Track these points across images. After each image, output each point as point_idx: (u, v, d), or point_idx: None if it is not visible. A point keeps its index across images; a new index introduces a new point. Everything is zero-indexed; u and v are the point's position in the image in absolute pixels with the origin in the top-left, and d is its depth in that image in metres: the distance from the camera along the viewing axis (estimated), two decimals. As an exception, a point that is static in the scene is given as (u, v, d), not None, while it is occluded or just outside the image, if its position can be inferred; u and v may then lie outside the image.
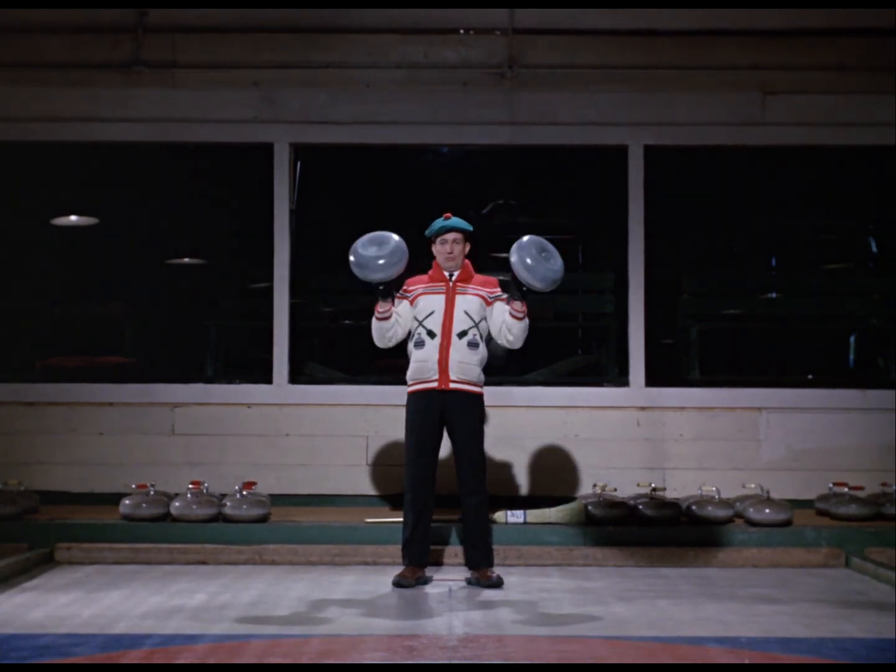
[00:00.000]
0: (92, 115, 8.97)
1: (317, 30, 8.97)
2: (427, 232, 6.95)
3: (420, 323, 6.82)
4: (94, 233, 9.52)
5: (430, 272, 6.96)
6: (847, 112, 8.95)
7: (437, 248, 6.93)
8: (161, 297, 9.50)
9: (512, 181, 9.63)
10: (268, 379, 8.97)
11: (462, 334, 6.80)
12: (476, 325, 6.83)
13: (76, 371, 9.22)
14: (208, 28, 8.94)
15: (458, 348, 6.79)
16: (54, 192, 9.23)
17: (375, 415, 8.79)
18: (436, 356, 6.77)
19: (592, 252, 9.72)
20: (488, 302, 6.87)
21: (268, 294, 9.03)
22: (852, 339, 9.66)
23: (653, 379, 8.97)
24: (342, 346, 9.80)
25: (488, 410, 7.25)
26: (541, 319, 9.74)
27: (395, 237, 6.79)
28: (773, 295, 9.69)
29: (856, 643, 5.39)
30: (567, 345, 9.74)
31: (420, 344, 6.81)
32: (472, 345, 6.81)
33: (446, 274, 6.90)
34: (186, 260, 9.75)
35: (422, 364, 6.80)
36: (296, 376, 9.03)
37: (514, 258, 6.63)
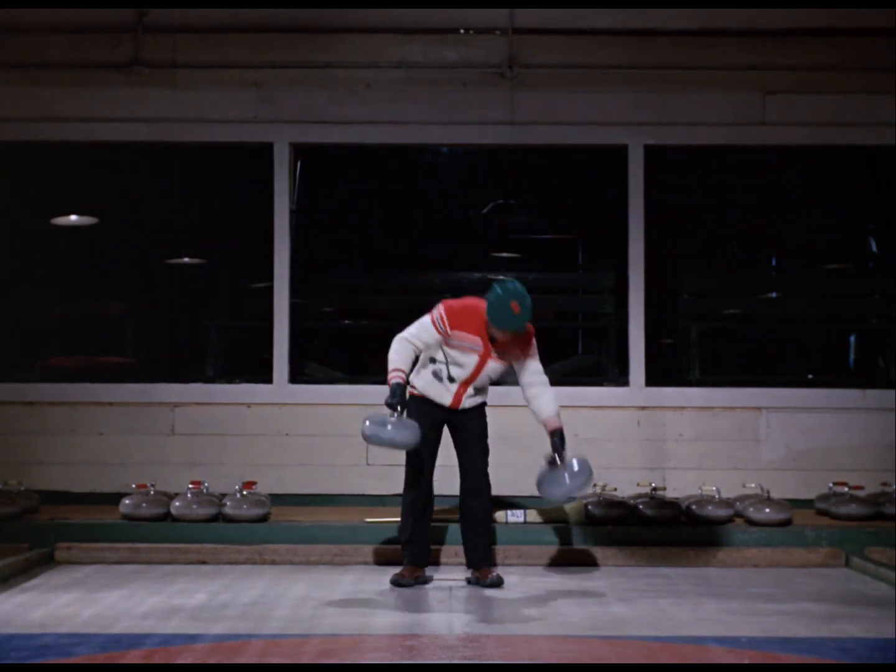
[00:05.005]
0: (92, 115, 8.97)
1: (317, 30, 8.97)
2: (491, 319, 6.54)
3: (447, 363, 6.73)
4: (94, 233, 9.52)
5: (477, 318, 6.65)
6: (847, 112, 8.95)
7: (492, 329, 6.62)
8: (161, 297, 9.51)
9: (512, 181, 9.63)
10: (268, 379, 8.97)
11: (479, 388, 6.85)
12: (493, 381, 6.88)
13: (76, 371, 9.22)
14: (208, 28, 8.95)
15: (471, 394, 6.84)
16: (54, 192, 9.23)
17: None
18: (450, 397, 6.81)
19: (592, 252, 9.72)
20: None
21: (268, 294, 9.02)
22: (852, 339, 9.66)
23: (653, 379, 8.97)
24: (342, 346, 9.80)
25: (488, 410, 7.24)
26: (541, 319, 9.77)
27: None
28: (773, 295, 9.70)
29: (856, 643, 5.39)
30: (567, 345, 9.74)
31: (438, 377, 6.76)
32: (484, 390, 6.91)
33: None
34: (186, 260, 9.76)
35: (435, 391, 6.80)
36: (296, 376, 9.03)
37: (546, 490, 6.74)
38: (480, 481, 6.88)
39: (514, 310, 6.48)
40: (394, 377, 6.62)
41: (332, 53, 9.01)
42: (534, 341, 6.80)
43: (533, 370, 6.82)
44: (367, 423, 6.57)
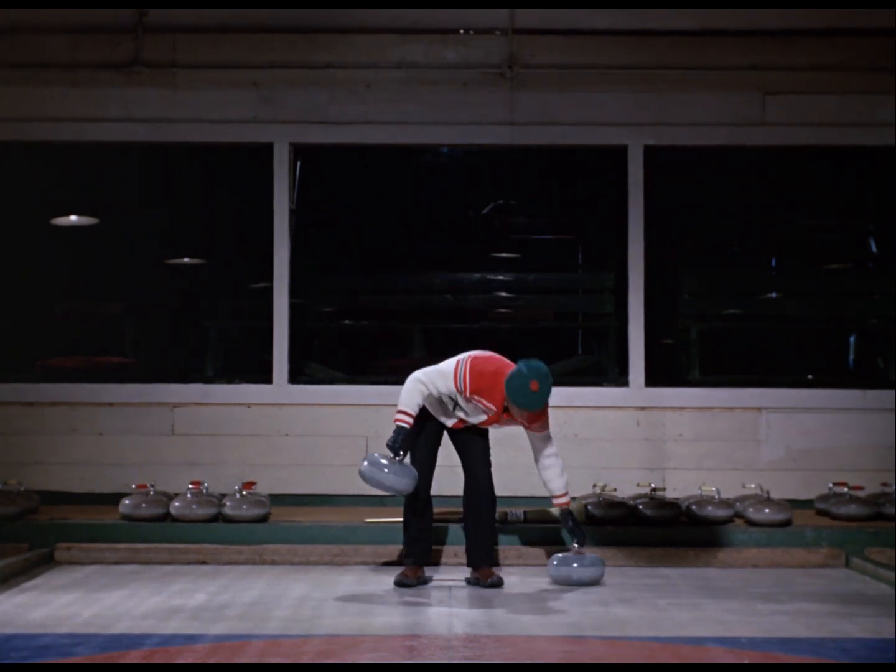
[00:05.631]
0: (92, 115, 8.97)
1: (317, 30, 8.97)
2: (509, 394, 6.47)
3: (456, 404, 6.68)
4: (94, 233, 9.52)
5: (501, 389, 6.54)
6: (847, 112, 8.95)
7: (509, 403, 6.57)
8: (161, 297, 9.51)
9: (512, 181, 9.63)
10: (268, 379, 8.97)
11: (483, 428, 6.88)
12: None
13: (76, 371, 9.22)
14: (208, 28, 8.95)
15: (473, 422, 6.81)
16: (54, 192, 9.23)
17: (375, 415, 8.78)
18: (451, 423, 6.81)
19: (592, 252, 9.72)
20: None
21: (268, 294, 9.02)
22: (852, 339, 9.66)
23: (653, 379, 8.97)
24: (342, 346, 9.81)
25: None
26: (541, 319, 9.78)
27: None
28: (773, 295, 9.70)
29: (856, 643, 5.39)
30: (567, 345, 9.74)
31: (444, 404, 6.73)
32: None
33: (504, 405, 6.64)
34: (186, 260, 9.76)
35: (437, 412, 6.78)
36: (296, 376, 9.03)
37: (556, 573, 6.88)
38: (483, 477, 6.88)
39: (532, 388, 6.43)
40: (399, 420, 6.59)
41: (332, 53, 9.01)
42: (546, 415, 6.74)
43: (544, 440, 6.81)
44: (366, 463, 6.56)
